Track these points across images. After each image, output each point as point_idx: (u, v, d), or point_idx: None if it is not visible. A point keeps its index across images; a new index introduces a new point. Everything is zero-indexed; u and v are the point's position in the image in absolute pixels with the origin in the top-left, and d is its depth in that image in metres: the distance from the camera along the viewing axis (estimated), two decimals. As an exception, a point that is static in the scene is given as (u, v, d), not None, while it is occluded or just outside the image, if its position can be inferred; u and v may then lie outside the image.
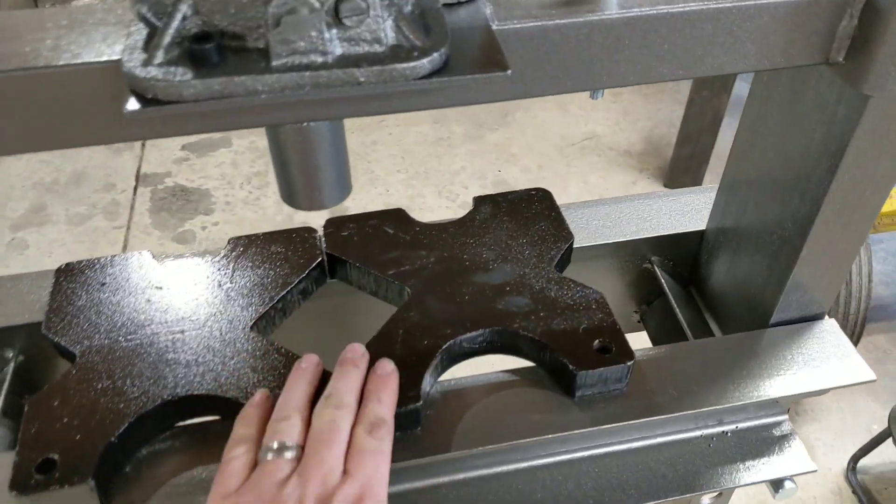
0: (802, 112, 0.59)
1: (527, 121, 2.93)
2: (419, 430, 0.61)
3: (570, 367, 0.61)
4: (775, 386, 0.64)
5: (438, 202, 2.55)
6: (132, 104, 0.37)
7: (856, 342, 1.90)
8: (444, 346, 0.63)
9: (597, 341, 0.63)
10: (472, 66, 0.42)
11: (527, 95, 0.49)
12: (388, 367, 0.59)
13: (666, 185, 2.62)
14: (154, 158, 2.74)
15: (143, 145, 2.79)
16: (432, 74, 0.41)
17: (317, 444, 0.52)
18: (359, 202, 2.53)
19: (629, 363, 0.62)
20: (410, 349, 0.63)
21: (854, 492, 1.78)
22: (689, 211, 0.81)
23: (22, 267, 2.32)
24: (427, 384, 0.62)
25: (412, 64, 0.40)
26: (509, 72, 0.41)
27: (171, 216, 2.51)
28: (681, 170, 2.56)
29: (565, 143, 2.83)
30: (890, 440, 1.57)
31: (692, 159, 2.52)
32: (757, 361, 0.66)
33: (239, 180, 2.64)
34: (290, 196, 0.53)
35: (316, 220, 2.43)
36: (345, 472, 0.51)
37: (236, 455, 0.52)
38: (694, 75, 0.51)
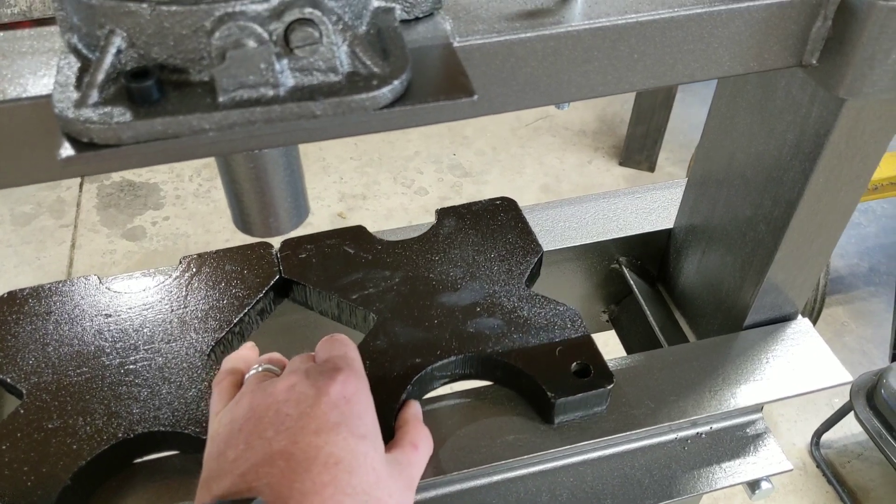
0: (773, 113, 0.57)
1: (480, 102, 2.90)
2: None
3: (549, 394, 0.59)
4: (752, 392, 0.63)
5: (394, 188, 2.52)
6: (66, 150, 0.34)
7: (815, 319, 1.92)
8: (414, 378, 0.60)
9: (574, 363, 0.61)
10: (436, 92, 0.39)
11: (492, 112, 0.47)
12: None
13: (621, 164, 2.62)
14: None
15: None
16: (394, 103, 0.38)
17: (292, 361, 0.54)
18: (312, 192, 2.48)
19: (608, 386, 0.60)
20: (379, 382, 0.60)
21: (818, 466, 1.81)
22: (656, 209, 0.79)
23: (-36, 272, 2.23)
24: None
25: (372, 94, 0.37)
26: (475, 97, 0.39)
27: (119, 212, 2.43)
28: (635, 148, 2.57)
29: (519, 124, 2.81)
30: (852, 414, 1.59)
31: (647, 137, 2.52)
32: (733, 366, 0.65)
33: (188, 173, 2.57)
34: (245, 224, 0.50)
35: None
36: (314, 364, 0.53)
37: (223, 380, 0.54)
38: (665, 83, 0.49)
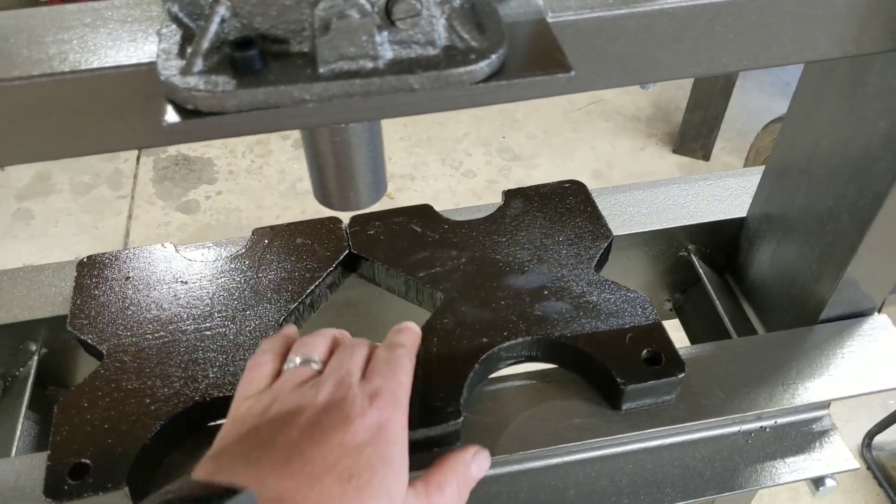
0: (864, 100, 0.55)
1: (533, 85, 2.87)
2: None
3: (619, 380, 0.58)
4: (826, 387, 0.62)
5: (442, 170, 2.51)
6: (171, 116, 0.34)
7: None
8: (482, 357, 0.60)
9: (645, 351, 0.60)
10: (532, 67, 0.38)
11: (582, 90, 0.46)
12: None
13: (675, 152, 2.58)
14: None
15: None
16: (490, 77, 0.37)
17: (338, 355, 0.53)
18: (364, 171, 2.49)
19: (680, 375, 0.59)
20: (446, 359, 0.60)
21: (869, 468, 1.77)
22: (728, 196, 0.78)
23: (28, 237, 2.29)
24: (465, 396, 0.59)
25: (469, 68, 0.36)
26: (572, 73, 0.38)
27: (174, 185, 2.47)
28: (691, 136, 2.52)
29: (571, 108, 2.78)
30: (907, 416, 1.55)
31: (703, 125, 2.47)
32: (807, 360, 0.63)
33: (241, 149, 2.60)
34: (325, 197, 0.50)
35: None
36: (363, 378, 0.51)
37: (261, 363, 0.53)
38: (759, 66, 0.47)
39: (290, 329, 0.57)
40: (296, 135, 2.57)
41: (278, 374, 0.52)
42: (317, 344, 0.54)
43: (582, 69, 0.45)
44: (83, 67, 0.37)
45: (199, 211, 2.39)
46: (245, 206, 2.40)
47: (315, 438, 0.46)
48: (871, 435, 1.77)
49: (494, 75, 0.38)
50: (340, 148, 0.46)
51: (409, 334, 0.56)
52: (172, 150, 2.60)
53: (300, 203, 2.41)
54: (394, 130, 2.67)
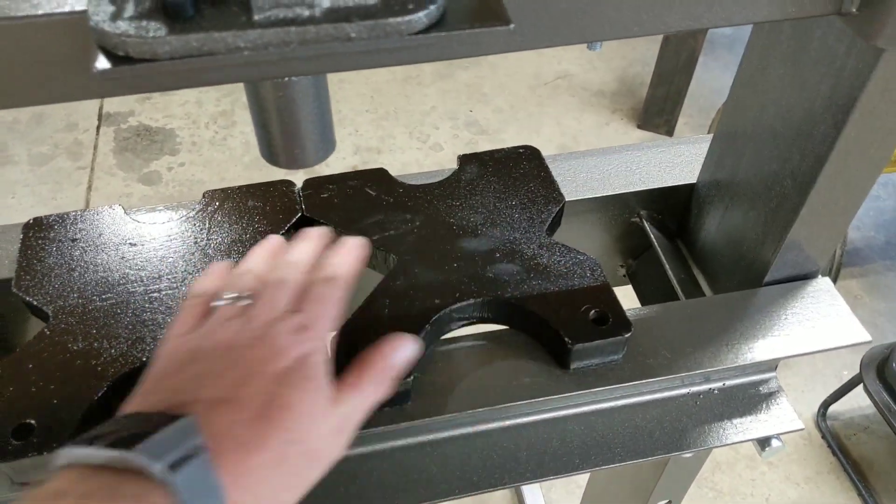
0: (807, 64, 0.56)
1: (498, 60, 2.86)
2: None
3: (567, 339, 0.59)
4: (770, 347, 0.63)
5: (409, 142, 2.51)
6: (102, 62, 0.34)
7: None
8: (433, 318, 0.60)
9: (593, 311, 0.61)
10: (471, 18, 0.38)
11: (525, 48, 0.46)
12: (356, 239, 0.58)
13: (639, 127, 2.60)
14: (116, 97, 2.64)
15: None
16: (429, 29, 0.37)
17: (265, 287, 0.52)
18: (330, 143, 2.47)
19: (626, 335, 0.60)
20: (398, 320, 0.60)
21: (823, 437, 1.82)
22: (679, 163, 0.78)
23: (-18, 210, 2.25)
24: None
25: (407, 18, 0.36)
26: (511, 26, 0.38)
27: (135, 157, 2.44)
28: (655, 111, 2.54)
29: (538, 83, 2.78)
30: (860, 386, 1.59)
31: (667, 100, 2.49)
32: (751, 322, 0.65)
33: (204, 119, 2.57)
34: (271, 155, 0.50)
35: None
36: (292, 311, 0.51)
37: (192, 304, 0.53)
38: (702, 26, 0.48)
39: (220, 266, 0.57)
40: (260, 106, 2.54)
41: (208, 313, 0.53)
42: (244, 276, 0.54)
43: (526, 25, 0.45)
44: (12, 14, 0.36)
45: (162, 182, 2.36)
46: (208, 178, 2.38)
47: (243, 372, 0.46)
48: (825, 405, 1.82)
49: (434, 27, 0.38)
50: (284, 104, 0.46)
51: (349, 257, 0.56)
52: (133, 120, 2.55)
53: (265, 175, 2.35)
54: (361, 103, 2.66)
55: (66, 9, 0.37)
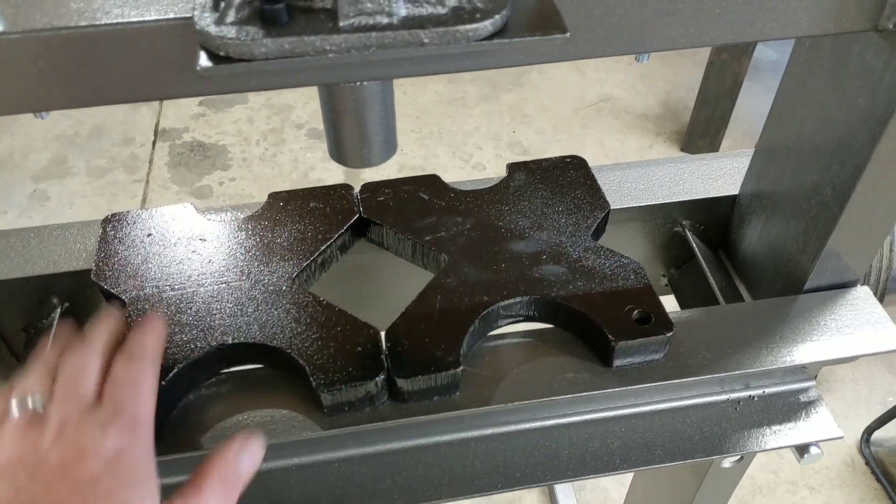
0: (846, 79, 0.59)
1: (542, 82, 2.91)
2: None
3: (609, 337, 0.62)
4: (808, 351, 0.65)
5: (452, 162, 2.55)
6: (204, 61, 0.38)
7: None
8: (481, 314, 0.64)
9: (636, 311, 0.64)
10: (531, 28, 0.42)
11: (578, 57, 0.50)
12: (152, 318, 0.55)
13: (683, 150, 2.61)
14: (172, 114, 2.74)
15: (161, 101, 2.79)
16: (493, 36, 0.41)
17: (62, 385, 0.49)
18: (375, 161, 2.53)
19: (668, 334, 0.63)
20: (448, 314, 0.64)
21: (867, 463, 1.79)
22: (722, 175, 0.81)
23: (43, 218, 2.34)
24: (464, 349, 0.63)
25: (474, 26, 0.40)
26: (568, 34, 0.42)
27: (188, 171, 2.52)
28: (698, 134, 2.55)
29: (581, 105, 2.81)
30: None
31: (710, 124, 2.50)
32: (790, 326, 0.67)
33: (255, 137, 2.64)
34: (339, 154, 0.54)
35: (333, 179, 2.43)
36: (98, 400, 0.48)
37: None
38: (744, 40, 0.51)
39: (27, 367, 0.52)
40: (310, 124, 2.61)
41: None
42: (33, 379, 0.50)
43: (580, 36, 0.48)
44: (125, 20, 0.41)
45: (213, 196, 2.44)
46: (258, 193, 2.45)
47: (49, 483, 0.43)
48: (869, 430, 1.80)
49: (497, 34, 0.42)
50: (356, 106, 0.50)
51: (151, 337, 0.54)
52: (188, 136, 2.64)
53: (311, 191, 2.45)
54: (406, 123, 2.71)
55: (171, 15, 0.42)
